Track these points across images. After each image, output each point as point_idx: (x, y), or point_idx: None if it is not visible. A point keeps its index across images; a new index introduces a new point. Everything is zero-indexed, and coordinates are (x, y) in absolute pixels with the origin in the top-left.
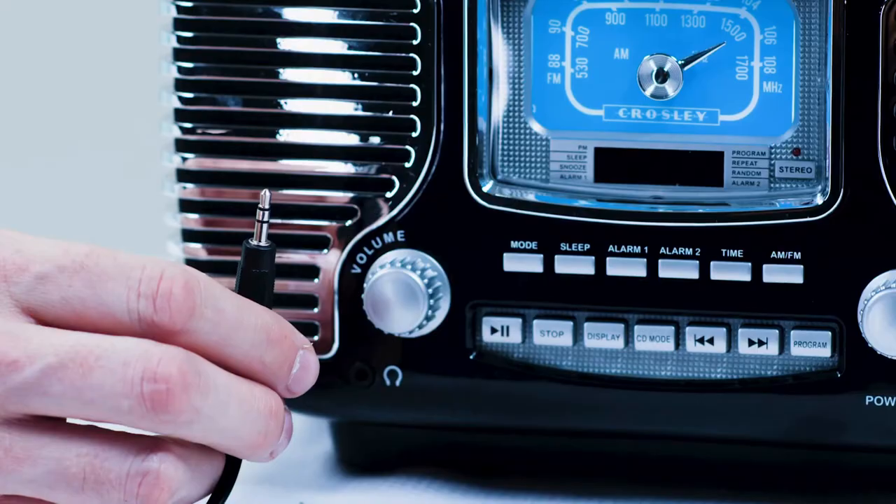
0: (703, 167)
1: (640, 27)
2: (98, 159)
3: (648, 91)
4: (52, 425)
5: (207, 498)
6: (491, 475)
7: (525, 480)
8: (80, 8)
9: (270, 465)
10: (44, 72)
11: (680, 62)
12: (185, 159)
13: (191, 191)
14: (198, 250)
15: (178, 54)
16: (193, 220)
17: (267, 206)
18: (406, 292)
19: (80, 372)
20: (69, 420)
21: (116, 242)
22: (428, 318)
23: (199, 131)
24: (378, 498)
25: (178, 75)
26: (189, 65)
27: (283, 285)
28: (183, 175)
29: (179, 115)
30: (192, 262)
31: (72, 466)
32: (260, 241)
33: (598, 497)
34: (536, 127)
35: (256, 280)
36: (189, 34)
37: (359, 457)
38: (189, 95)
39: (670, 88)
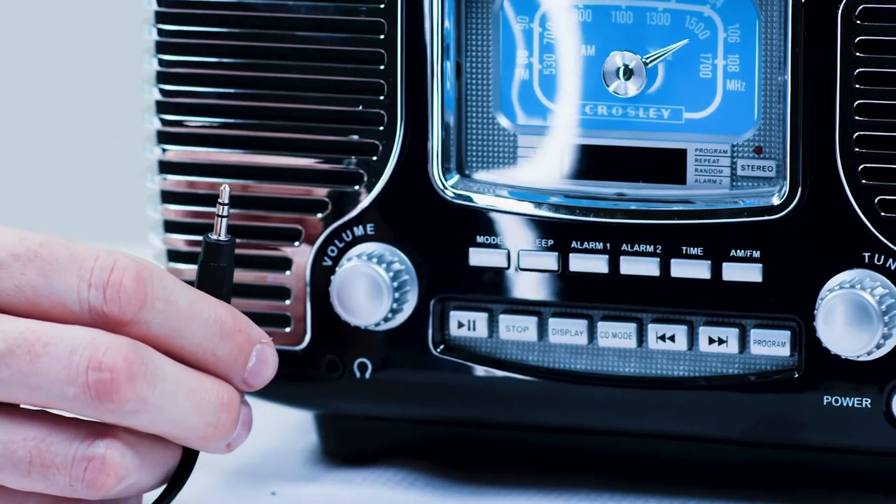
0: (666, 165)
1: (606, 24)
2: (85, 151)
3: (612, 88)
4: (1, 409)
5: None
6: (468, 469)
7: (504, 475)
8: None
9: (251, 455)
10: (36, 67)
11: (644, 59)
12: (164, 151)
13: (171, 182)
14: (178, 241)
15: (160, 47)
16: (174, 210)
17: (226, 201)
18: (370, 285)
19: (28, 358)
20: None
21: (108, 233)
22: (394, 312)
23: (179, 123)
24: (349, 490)
25: (158, 68)
26: (169, 57)
27: (258, 276)
28: (164, 166)
29: (160, 108)
30: (173, 253)
31: (18, 450)
32: (219, 235)
33: (574, 490)
34: (504, 122)
35: (215, 274)
36: (169, 27)
37: (343, 449)
38: (169, 88)
39: (634, 85)
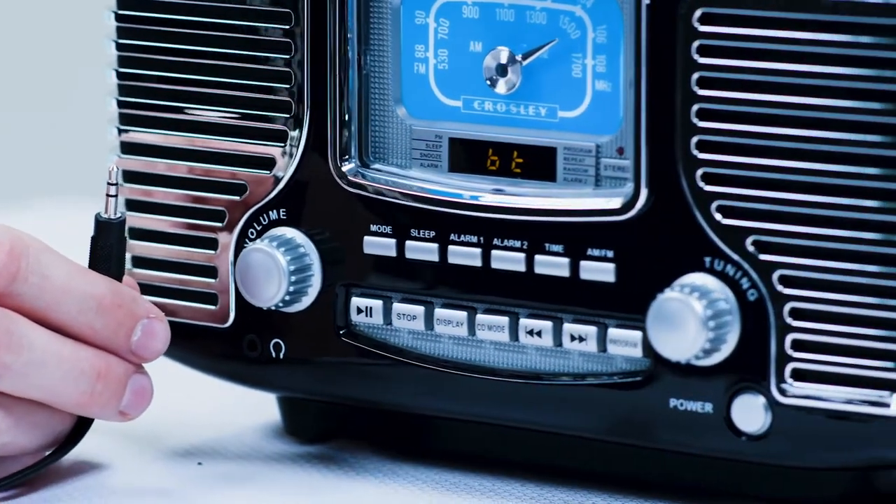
0: (538, 162)
1: (491, 21)
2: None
3: (490, 83)
4: None
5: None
6: (409, 454)
7: (464, 462)
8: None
9: (209, 431)
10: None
11: (519, 57)
12: (120, 132)
13: (128, 163)
14: (136, 219)
15: (119, 32)
16: (128, 189)
17: (114, 181)
18: (262, 268)
19: None
20: None
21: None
22: (294, 295)
23: (131, 105)
24: (273, 465)
25: (117, 52)
26: (123, 41)
27: (189, 254)
28: (124, 147)
29: (118, 91)
30: (134, 231)
31: None
32: (109, 213)
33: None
34: (402, 114)
35: (103, 251)
36: (127, 13)
37: (300, 428)
38: (123, 70)
39: (511, 83)
